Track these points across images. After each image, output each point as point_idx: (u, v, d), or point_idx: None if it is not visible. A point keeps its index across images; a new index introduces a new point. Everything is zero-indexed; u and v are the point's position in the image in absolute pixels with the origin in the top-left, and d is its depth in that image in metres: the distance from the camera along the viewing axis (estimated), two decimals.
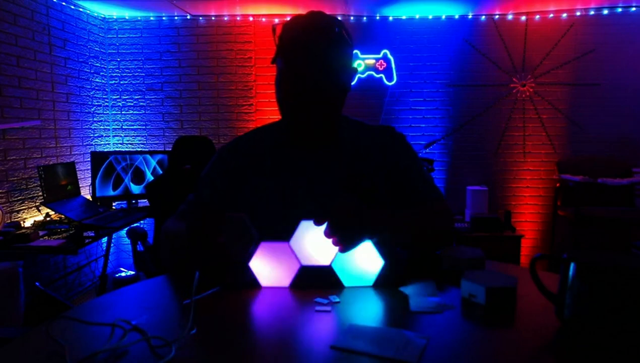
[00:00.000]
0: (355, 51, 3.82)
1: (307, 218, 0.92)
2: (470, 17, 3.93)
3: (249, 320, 0.82)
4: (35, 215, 3.11)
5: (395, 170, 1.16)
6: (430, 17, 3.94)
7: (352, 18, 3.98)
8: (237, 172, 1.16)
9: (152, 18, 4.00)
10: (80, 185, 3.40)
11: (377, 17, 3.96)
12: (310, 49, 1.02)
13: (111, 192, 3.53)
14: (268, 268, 0.93)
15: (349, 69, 1.09)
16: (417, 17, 3.94)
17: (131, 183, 3.59)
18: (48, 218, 3.06)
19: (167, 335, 0.69)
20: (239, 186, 1.15)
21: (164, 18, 3.99)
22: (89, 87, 3.77)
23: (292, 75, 1.04)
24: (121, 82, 4.07)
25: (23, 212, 3.04)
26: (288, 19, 1.08)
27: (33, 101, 3.12)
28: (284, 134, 1.17)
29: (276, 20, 3.96)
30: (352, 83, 1.17)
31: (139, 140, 4.11)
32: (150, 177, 3.64)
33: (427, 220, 1.10)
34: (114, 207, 3.51)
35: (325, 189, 1.11)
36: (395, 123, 4.02)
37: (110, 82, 4.08)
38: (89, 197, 3.60)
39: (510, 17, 3.90)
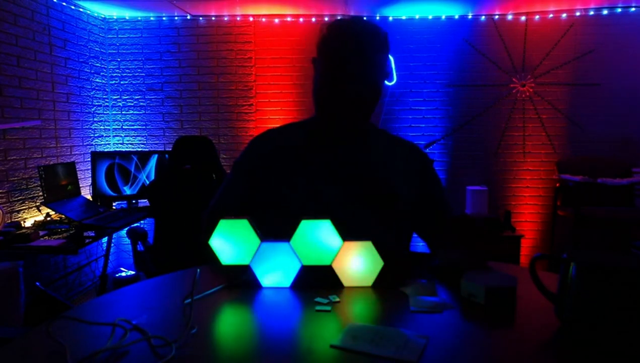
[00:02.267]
0: None
1: (329, 215, 0.93)
2: (470, 17, 3.93)
3: (249, 319, 0.82)
4: (35, 215, 3.11)
5: (425, 192, 1.21)
6: (430, 17, 3.94)
7: (346, 17, 3.98)
8: (267, 157, 1.20)
9: (152, 18, 4.00)
10: (80, 185, 3.40)
11: (377, 17, 3.97)
12: (361, 51, 1.07)
13: (111, 192, 3.53)
14: (269, 269, 0.94)
15: (385, 75, 1.15)
16: (417, 17, 3.94)
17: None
18: (48, 218, 3.06)
19: (168, 335, 0.69)
20: (269, 173, 1.19)
21: (164, 18, 4.00)
22: (89, 87, 3.78)
23: (340, 74, 1.08)
24: (121, 82, 4.07)
25: (23, 212, 3.04)
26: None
27: (33, 101, 3.13)
28: (313, 131, 1.22)
29: (276, 21, 3.97)
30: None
31: (139, 140, 4.12)
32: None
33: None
34: (114, 207, 3.51)
35: (350, 188, 1.14)
36: (395, 123, 4.02)
37: (111, 82, 4.08)
38: (89, 197, 3.60)
39: (510, 17, 3.90)
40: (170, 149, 2.67)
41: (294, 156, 1.19)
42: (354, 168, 1.18)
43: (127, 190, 3.58)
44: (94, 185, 3.50)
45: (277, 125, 1.31)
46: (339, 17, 3.99)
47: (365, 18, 3.92)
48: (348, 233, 0.93)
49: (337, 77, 1.09)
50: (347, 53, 1.08)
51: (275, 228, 0.96)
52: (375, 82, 1.12)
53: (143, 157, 3.63)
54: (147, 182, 3.59)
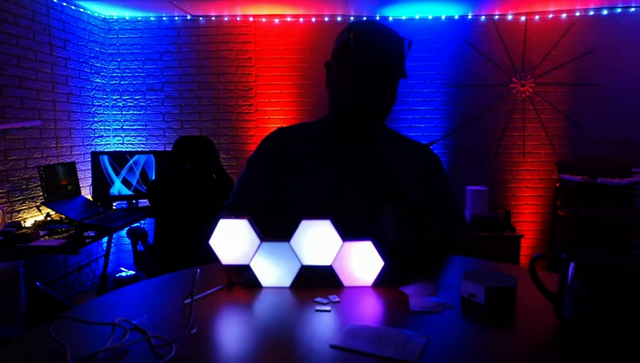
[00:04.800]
0: None
1: (339, 211, 0.93)
2: (470, 17, 3.93)
3: (249, 319, 0.82)
4: (35, 215, 3.11)
5: (431, 189, 1.22)
6: (430, 17, 3.94)
7: (352, 18, 3.98)
8: (281, 156, 1.20)
9: (152, 18, 4.00)
10: (80, 185, 3.40)
11: (377, 18, 3.96)
12: (387, 58, 1.07)
13: (112, 192, 3.53)
14: (269, 268, 0.94)
15: (400, 78, 1.15)
16: (417, 17, 3.94)
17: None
18: (48, 218, 3.06)
19: (168, 335, 0.69)
20: (283, 170, 1.19)
21: (164, 18, 4.00)
22: (89, 87, 3.78)
23: (364, 80, 1.07)
24: (121, 82, 4.07)
25: (24, 212, 3.04)
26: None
27: (34, 101, 3.13)
28: (325, 131, 1.22)
29: (276, 21, 3.97)
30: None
31: (139, 140, 4.12)
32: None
33: (458, 243, 1.18)
34: (114, 207, 3.51)
35: (360, 187, 1.15)
36: (396, 123, 4.02)
37: (111, 82, 4.08)
38: (89, 197, 3.60)
39: (509, 17, 3.90)
40: (170, 149, 2.67)
41: (306, 156, 1.20)
42: (365, 168, 1.18)
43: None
44: (95, 185, 3.49)
45: (286, 125, 1.32)
46: (339, 18, 3.95)
47: (366, 18, 3.93)
48: (359, 232, 0.94)
49: (359, 85, 1.07)
50: (372, 61, 1.06)
51: (282, 228, 0.95)
52: (394, 90, 1.12)
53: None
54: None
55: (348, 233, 0.93)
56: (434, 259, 1.15)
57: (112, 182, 3.53)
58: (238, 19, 3.98)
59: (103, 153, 3.54)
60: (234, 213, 1.07)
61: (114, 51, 4.05)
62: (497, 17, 3.91)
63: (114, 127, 4.11)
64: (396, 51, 1.08)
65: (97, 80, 3.90)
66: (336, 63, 1.13)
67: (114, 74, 4.07)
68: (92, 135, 3.84)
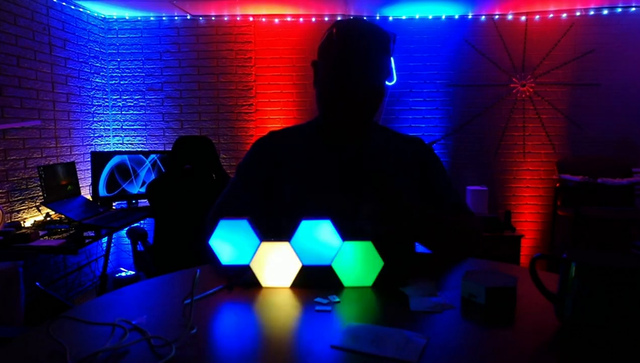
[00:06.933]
0: None
1: (333, 212, 0.93)
2: (470, 17, 3.93)
3: (249, 320, 0.82)
4: (35, 215, 3.11)
5: (427, 182, 1.21)
6: (430, 17, 3.94)
7: (351, 18, 3.98)
8: (272, 160, 1.20)
9: (152, 18, 4.00)
10: (80, 185, 3.40)
11: (377, 17, 3.97)
12: (367, 50, 1.09)
13: (111, 192, 3.53)
14: (269, 269, 0.94)
15: (387, 74, 1.16)
16: (417, 17, 3.94)
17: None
18: (48, 218, 3.06)
19: (168, 335, 0.69)
20: (274, 173, 1.19)
21: (164, 18, 4.00)
22: (89, 87, 3.78)
23: (346, 72, 1.09)
24: (121, 82, 4.07)
25: (23, 212, 3.04)
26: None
27: (33, 101, 3.13)
28: (316, 131, 1.22)
29: (276, 21, 3.97)
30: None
31: (139, 140, 4.12)
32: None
33: (461, 229, 1.15)
34: (114, 207, 3.50)
35: (354, 185, 1.14)
36: (396, 123, 4.02)
37: (111, 82, 4.08)
38: (89, 197, 3.60)
39: (510, 17, 3.90)
40: (170, 149, 2.67)
41: (299, 156, 1.19)
42: (361, 167, 1.18)
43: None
44: (95, 185, 3.49)
45: (279, 127, 1.31)
46: (339, 17, 3.97)
47: (365, 18, 3.93)
48: (353, 233, 0.94)
49: (343, 76, 1.09)
50: (353, 51, 1.08)
51: (278, 229, 0.96)
52: (379, 81, 1.13)
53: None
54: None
55: (346, 232, 0.93)
56: (437, 248, 1.14)
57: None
58: (238, 18, 3.98)
59: (103, 153, 3.54)
60: (222, 215, 1.06)
61: (114, 51, 4.05)
62: (497, 16, 3.91)
63: (113, 127, 4.11)
64: (377, 41, 1.10)
65: (97, 80, 3.90)
66: (321, 58, 1.15)
67: (114, 74, 4.07)
68: (92, 135, 3.84)
